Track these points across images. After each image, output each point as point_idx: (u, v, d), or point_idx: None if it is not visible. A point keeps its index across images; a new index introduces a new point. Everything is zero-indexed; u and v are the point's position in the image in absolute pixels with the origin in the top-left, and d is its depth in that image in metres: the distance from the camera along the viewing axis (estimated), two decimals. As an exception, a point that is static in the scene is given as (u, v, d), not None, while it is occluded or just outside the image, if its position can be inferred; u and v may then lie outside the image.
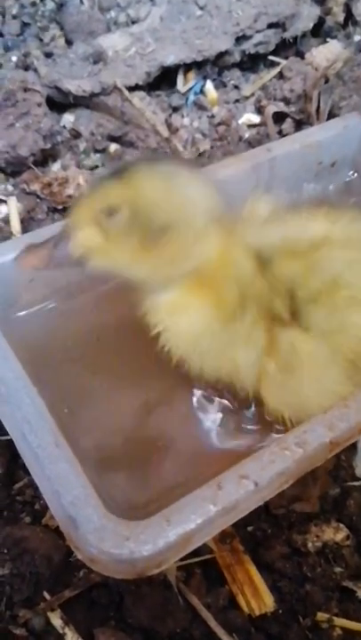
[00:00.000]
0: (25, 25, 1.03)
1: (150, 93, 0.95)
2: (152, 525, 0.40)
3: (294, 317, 0.50)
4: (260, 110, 0.94)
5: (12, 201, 0.81)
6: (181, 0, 1.00)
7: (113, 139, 0.91)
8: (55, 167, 0.88)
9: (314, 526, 0.58)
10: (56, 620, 0.52)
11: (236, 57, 0.98)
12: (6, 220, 0.80)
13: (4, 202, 0.82)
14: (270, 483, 0.43)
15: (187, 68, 0.97)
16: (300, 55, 1.01)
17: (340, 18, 1.03)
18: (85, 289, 0.64)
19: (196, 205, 0.49)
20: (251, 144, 0.90)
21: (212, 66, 0.98)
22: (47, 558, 0.53)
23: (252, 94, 0.97)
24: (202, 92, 0.97)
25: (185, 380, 0.58)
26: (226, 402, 0.59)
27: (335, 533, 0.58)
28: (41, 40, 1.01)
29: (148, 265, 0.51)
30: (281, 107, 0.93)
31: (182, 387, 0.59)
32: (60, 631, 0.51)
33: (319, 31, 1.05)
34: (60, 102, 0.93)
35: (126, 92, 0.90)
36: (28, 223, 0.80)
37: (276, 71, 0.99)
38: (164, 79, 0.97)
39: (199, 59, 0.95)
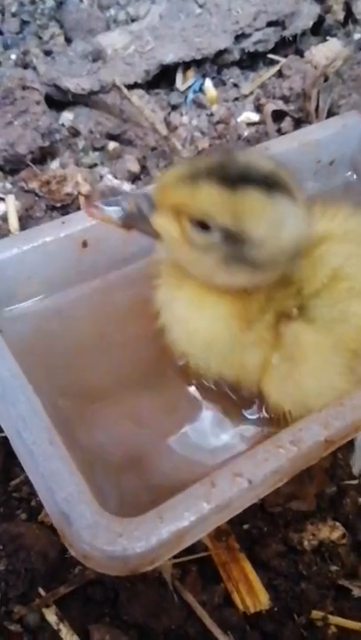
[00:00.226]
0: (24, 23, 1.02)
1: (149, 92, 0.95)
2: (145, 522, 0.40)
3: (300, 312, 0.51)
4: (259, 109, 0.94)
5: (11, 199, 0.81)
6: (181, -2, 1.00)
7: (112, 137, 0.91)
8: (54, 165, 0.88)
9: (310, 525, 0.58)
10: (51, 616, 0.52)
11: (236, 55, 0.98)
12: (4, 218, 0.80)
13: (3, 200, 0.82)
14: (264, 481, 0.43)
15: (186, 66, 0.97)
16: (300, 53, 1.01)
17: (341, 16, 1.03)
18: (83, 285, 0.64)
19: (292, 243, 0.48)
20: (250, 142, 0.90)
21: (212, 64, 0.98)
22: (43, 555, 0.53)
23: (252, 93, 0.97)
24: (201, 90, 0.97)
25: (186, 376, 0.58)
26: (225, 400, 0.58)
27: (331, 532, 0.58)
28: (40, 38, 1.01)
29: (214, 274, 0.49)
30: (280, 105, 0.93)
31: (183, 382, 0.59)
32: (55, 627, 0.51)
33: (319, 29, 1.04)
34: (58, 100, 0.93)
35: (125, 91, 0.90)
36: (26, 221, 0.80)
37: (275, 69, 0.99)
38: (163, 77, 0.97)
39: (198, 57, 0.95)
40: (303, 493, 0.60)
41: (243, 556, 0.56)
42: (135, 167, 0.87)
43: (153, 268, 0.55)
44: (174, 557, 0.55)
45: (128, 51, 0.95)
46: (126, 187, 0.85)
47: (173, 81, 0.97)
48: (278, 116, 0.93)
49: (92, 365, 0.60)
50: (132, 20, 1.03)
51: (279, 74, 0.98)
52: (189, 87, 0.97)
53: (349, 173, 0.80)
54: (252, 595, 0.54)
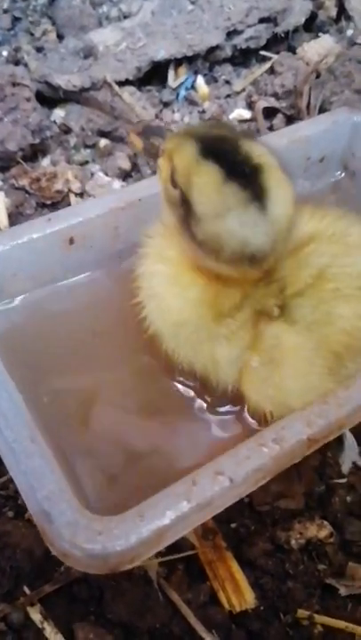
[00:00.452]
0: (16, 19, 1.02)
1: (141, 88, 0.95)
2: (125, 521, 0.40)
3: (281, 312, 0.51)
4: (251, 105, 0.94)
5: (1, 196, 0.81)
6: (173, -6, 1.00)
7: (103, 134, 0.91)
8: (45, 162, 0.88)
9: (297, 523, 0.58)
10: (35, 614, 0.51)
11: (228, 52, 0.98)
12: (-6, 215, 0.80)
13: (-7, 197, 0.82)
14: (246, 479, 0.43)
15: (178, 62, 0.97)
16: (292, 50, 1.00)
17: (333, 12, 1.03)
18: (69, 282, 0.64)
19: (239, 244, 0.46)
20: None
21: (204, 61, 0.98)
22: (28, 553, 0.53)
23: (244, 89, 0.97)
24: (193, 87, 0.97)
25: (171, 372, 0.57)
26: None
27: (319, 530, 0.58)
28: (32, 35, 1.01)
29: (176, 233, 0.50)
30: (272, 102, 0.92)
31: (170, 379, 0.58)
32: (39, 626, 0.51)
33: (311, 26, 1.04)
34: (50, 97, 0.93)
35: (116, 87, 0.90)
36: (16, 218, 0.80)
37: (267, 66, 0.98)
38: (154, 74, 0.97)
39: (190, 54, 0.94)
40: (292, 492, 0.60)
41: (229, 555, 0.56)
42: (126, 164, 0.86)
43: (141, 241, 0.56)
44: (161, 556, 0.55)
45: (120, 47, 0.95)
46: (117, 184, 0.84)
47: (165, 78, 0.97)
48: (270, 112, 0.93)
49: (79, 363, 0.59)
50: (125, 17, 1.02)
51: (271, 70, 0.98)
52: (181, 84, 0.96)
53: (339, 172, 0.80)
54: (238, 593, 0.54)
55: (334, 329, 0.50)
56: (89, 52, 0.96)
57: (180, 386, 0.58)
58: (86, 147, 0.91)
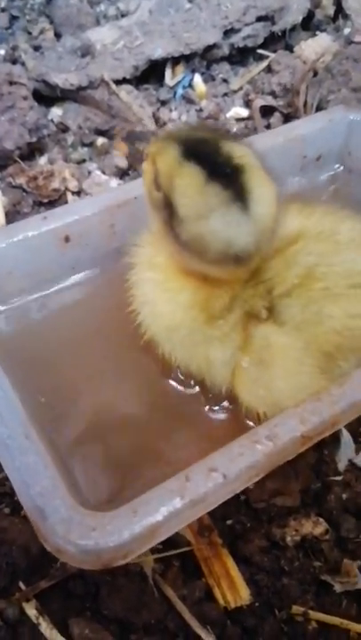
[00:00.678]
0: (14, 18, 1.02)
1: (138, 87, 0.95)
2: (119, 517, 0.40)
3: (270, 313, 0.50)
4: (248, 104, 0.94)
5: (-2, 194, 0.81)
6: (171, -7, 1.00)
7: (100, 132, 0.91)
8: (42, 161, 0.88)
9: (293, 520, 0.58)
10: (31, 610, 0.52)
11: (225, 50, 0.98)
12: (-9, 214, 0.80)
13: (-10, 195, 0.82)
14: (239, 476, 0.43)
15: (175, 61, 0.97)
16: (290, 48, 1.00)
17: (330, 11, 1.03)
18: (65, 280, 0.64)
19: (214, 243, 0.46)
20: (238, 138, 0.90)
21: (201, 59, 0.98)
22: (25, 549, 0.54)
23: (241, 88, 0.97)
24: (190, 85, 0.97)
25: (167, 371, 0.58)
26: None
27: (314, 527, 0.58)
28: (30, 33, 1.01)
29: (161, 236, 0.50)
30: (269, 100, 0.92)
31: (165, 378, 0.59)
32: (35, 621, 0.51)
33: (309, 24, 1.04)
34: (47, 96, 0.93)
35: (113, 86, 0.90)
36: (13, 216, 0.80)
37: (264, 65, 0.98)
38: (152, 73, 0.97)
39: (187, 52, 0.95)
40: (288, 489, 0.60)
41: (225, 552, 0.56)
42: (123, 163, 0.87)
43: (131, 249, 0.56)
44: (157, 552, 0.55)
45: (117, 46, 0.95)
46: (114, 182, 0.85)
47: (162, 76, 0.97)
48: (267, 111, 0.93)
49: (75, 361, 0.59)
50: (122, 16, 1.03)
51: (268, 69, 0.98)
52: (178, 82, 0.97)
53: (337, 167, 0.80)
54: (233, 590, 0.54)
55: (324, 328, 0.50)
56: (86, 51, 0.96)
57: (177, 385, 0.58)
58: (83, 145, 0.91)
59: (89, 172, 0.87)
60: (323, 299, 0.50)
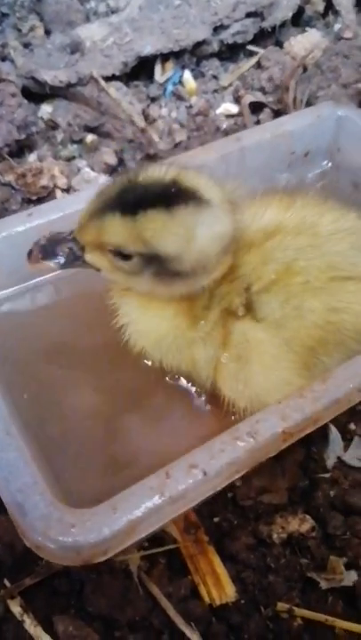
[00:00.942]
0: (3, 15, 1.02)
1: (128, 84, 0.94)
2: (98, 513, 0.40)
3: (248, 310, 0.50)
4: (238, 100, 0.94)
5: (-14, 192, 0.81)
6: (161, -11, 0.99)
7: (89, 129, 0.91)
8: (31, 158, 0.88)
9: (280, 517, 0.58)
10: (15, 607, 0.52)
11: (215, 47, 0.97)
12: (-20, 211, 0.80)
13: (-22, 193, 0.82)
14: (220, 472, 0.43)
15: (164, 57, 0.97)
16: (279, 45, 1.00)
17: (320, 7, 1.02)
18: (51, 277, 0.63)
19: (211, 247, 0.48)
20: (228, 134, 0.89)
21: (191, 56, 0.97)
22: (9, 546, 0.54)
23: (231, 84, 0.97)
24: (180, 82, 0.97)
25: (155, 370, 0.58)
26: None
27: (301, 525, 0.58)
28: (19, 30, 1.01)
29: (151, 289, 0.51)
30: (258, 96, 0.92)
31: (149, 374, 0.58)
32: (19, 618, 0.51)
33: (299, 20, 1.03)
34: (37, 93, 0.92)
35: (103, 83, 0.90)
36: (1, 214, 0.80)
37: (254, 61, 0.98)
38: (141, 69, 0.96)
39: (177, 49, 0.94)
40: (275, 487, 0.60)
41: (211, 549, 0.56)
42: (112, 160, 0.86)
43: None
44: (142, 549, 0.55)
45: (106, 43, 0.94)
46: (103, 179, 0.84)
47: (152, 73, 0.97)
48: (257, 107, 0.93)
49: (60, 358, 0.59)
50: (113, 12, 1.02)
51: (258, 65, 0.98)
52: (168, 79, 0.96)
53: (325, 163, 0.79)
54: (219, 587, 0.54)
55: (306, 323, 0.49)
56: (76, 48, 0.95)
57: (163, 381, 0.58)
58: (73, 142, 0.90)
59: (78, 169, 0.86)
60: (303, 293, 0.50)
